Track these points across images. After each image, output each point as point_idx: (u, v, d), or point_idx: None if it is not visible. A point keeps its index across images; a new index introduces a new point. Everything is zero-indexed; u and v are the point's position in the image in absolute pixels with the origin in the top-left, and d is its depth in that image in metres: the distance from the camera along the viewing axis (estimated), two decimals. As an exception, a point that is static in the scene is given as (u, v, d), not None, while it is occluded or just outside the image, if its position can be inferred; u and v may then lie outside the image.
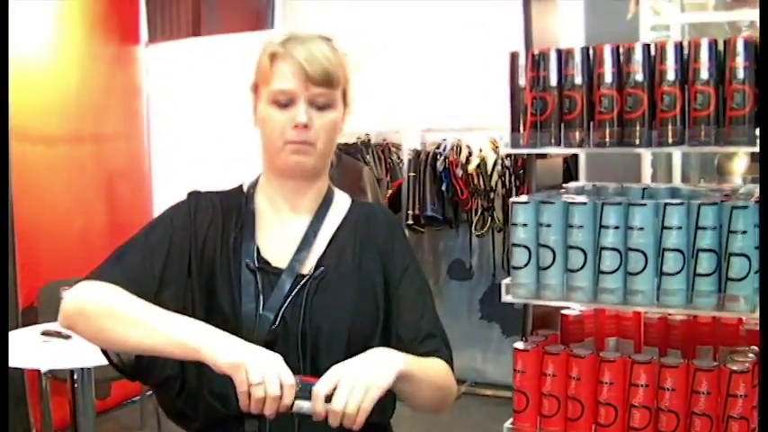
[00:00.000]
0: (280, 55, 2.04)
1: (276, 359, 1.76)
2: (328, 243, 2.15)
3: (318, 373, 1.88)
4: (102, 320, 1.90)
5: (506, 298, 3.29)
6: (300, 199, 2.15)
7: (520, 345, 3.33)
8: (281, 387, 1.73)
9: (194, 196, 2.17)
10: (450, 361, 2.15)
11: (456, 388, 2.16)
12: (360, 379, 1.78)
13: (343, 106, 2.13)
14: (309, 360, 2.00)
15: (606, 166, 5.19)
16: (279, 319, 2.01)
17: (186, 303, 2.02)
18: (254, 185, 2.21)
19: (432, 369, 2.06)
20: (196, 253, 2.06)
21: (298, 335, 2.01)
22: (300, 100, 2.02)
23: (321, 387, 1.75)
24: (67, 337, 4.60)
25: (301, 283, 2.05)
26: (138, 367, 2.05)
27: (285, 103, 2.03)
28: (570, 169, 6.04)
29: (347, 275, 2.09)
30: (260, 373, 1.72)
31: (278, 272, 2.07)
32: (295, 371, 1.86)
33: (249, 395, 1.73)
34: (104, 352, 2.05)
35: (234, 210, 2.15)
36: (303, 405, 1.76)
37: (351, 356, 1.91)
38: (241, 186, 2.23)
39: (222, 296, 2.04)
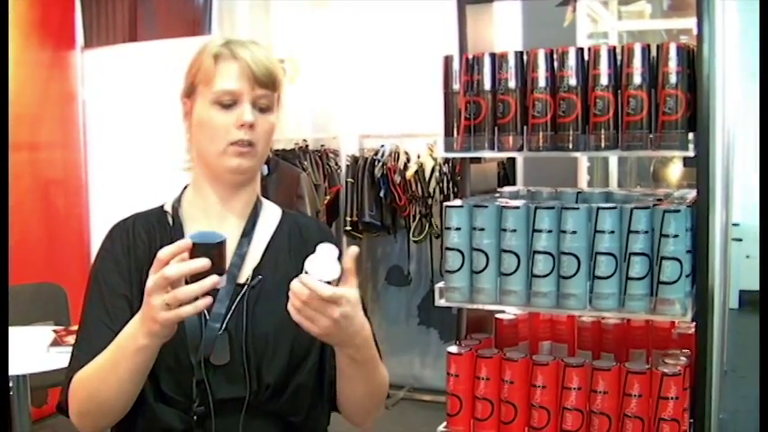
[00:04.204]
0: (224, 56, 2.02)
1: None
2: (264, 251, 2.13)
3: (263, 383, 1.96)
4: (90, 404, 1.94)
5: (440, 302, 3.28)
6: (233, 202, 2.12)
7: (453, 348, 3.32)
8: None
9: (112, 235, 2.12)
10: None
11: (383, 397, 2.16)
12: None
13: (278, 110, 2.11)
14: (255, 370, 1.99)
15: (543, 172, 5.22)
16: (223, 329, 1.99)
17: None
18: (178, 200, 2.18)
19: (377, 364, 2.07)
20: (132, 289, 2.02)
21: (242, 345, 1.99)
22: (245, 101, 2.00)
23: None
24: (1, 343, 4.54)
25: (241, 293, 2.03)
26: None
27: (229, 104, 2.00)
28: (508, 175, 6.06)
29: (285, 284, 2.06)
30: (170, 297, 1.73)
31: None
32: (240, 381, 1.93)
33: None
34: None
35: (158, 229, 2.12)
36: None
37: (293, 366, 2.00)
38: (162, 206, 2.19)
39: None
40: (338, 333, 1.82)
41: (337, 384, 2.07)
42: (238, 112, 2.00)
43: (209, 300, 1.74)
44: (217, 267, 1.74)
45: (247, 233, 2.13)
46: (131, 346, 1.83)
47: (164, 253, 1.72)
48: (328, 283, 1.76)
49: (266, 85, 2.01)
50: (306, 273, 1.78)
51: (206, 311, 1.96)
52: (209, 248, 1.73)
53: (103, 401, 1.92)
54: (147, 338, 1.80)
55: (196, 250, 1.72)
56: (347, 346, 1.89)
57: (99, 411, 1.94)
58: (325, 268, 1.78)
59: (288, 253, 2.15)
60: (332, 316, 1.78)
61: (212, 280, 1.72)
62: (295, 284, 1.77)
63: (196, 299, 1.72)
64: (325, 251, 1.80)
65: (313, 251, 1.87)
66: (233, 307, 2.02)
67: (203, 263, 1.71)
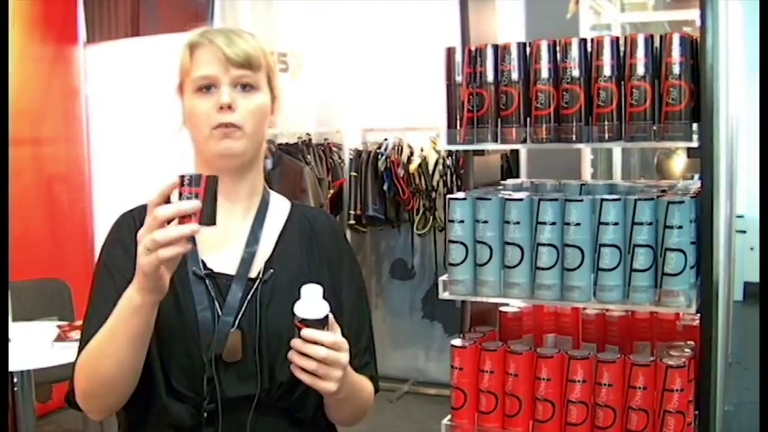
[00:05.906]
0: (198, 44, 2.03)
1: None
2: (275, 245, 2.12)
3: (275, 381, 1.98)
4: (93, 381, 1.92)
5: (444, 295, 3.27)
6: (234, 194, 2.10)
7: (457, 341, 3.31)
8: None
9: (120, 224, 2.13)
10: (375, 376, 2.19)
11: (369, 406, 2.19)
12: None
13: (271, 94, 2.09)
14: (267, 366, 1.99)
15: (546, 165, 5.20)
16: (237, 324, 1.99)
17: None
18: None
19: (360, 390, 2.09)
20: None
21: (255, 343, 1.99)
22: (223, 83, 1.99)
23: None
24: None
25: (253, 288, 2.03)
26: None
27: (208, 89, 2.00)
28: (511, 167, 6.05)
29: (297, 279, 2.04)
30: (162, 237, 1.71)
31: (226, 276, 2.04)
32: (252, 378, 1.94)
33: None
34: None
35: None
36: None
37: None
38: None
39: (172, 307, 1.98)
40: (345, 381, 1.87)
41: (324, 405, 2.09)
42: (217, 95, 1.99)
43: (189, 245, 1.75)
44: (207, 210, 1.75)
45: (257, 226, 2.12)
46: (127, 309, 1.81)
47: (160, 210, 1.73)
48: (322, 320, 1.81)
49: (242, 65, 2.00)
50: (298, 317, 1.81)
51: (219, 308, 1.98)
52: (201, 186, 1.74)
53: (105, 376, 1.90)
54: (140, 295, 1.78)
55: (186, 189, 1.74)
56: (338, 391, 1.91)
57: (103, 389, 1.92)
58: (315, 309, 1.82)
59: (299, 246, 2.15)
60: (343, 366, 1.83)
61: (191, 227, 1.72)
62: (314, 348, 1.80)
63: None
64: (311, 292, 1.83)
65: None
66: (245, 303, 2.01)
67: (193, 204, 1.73)
